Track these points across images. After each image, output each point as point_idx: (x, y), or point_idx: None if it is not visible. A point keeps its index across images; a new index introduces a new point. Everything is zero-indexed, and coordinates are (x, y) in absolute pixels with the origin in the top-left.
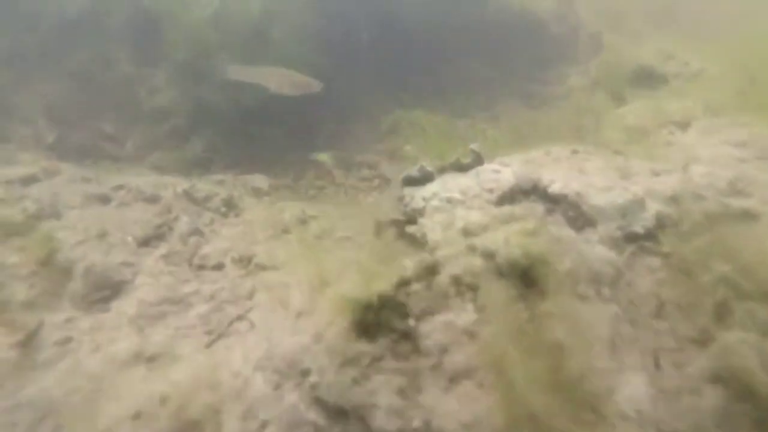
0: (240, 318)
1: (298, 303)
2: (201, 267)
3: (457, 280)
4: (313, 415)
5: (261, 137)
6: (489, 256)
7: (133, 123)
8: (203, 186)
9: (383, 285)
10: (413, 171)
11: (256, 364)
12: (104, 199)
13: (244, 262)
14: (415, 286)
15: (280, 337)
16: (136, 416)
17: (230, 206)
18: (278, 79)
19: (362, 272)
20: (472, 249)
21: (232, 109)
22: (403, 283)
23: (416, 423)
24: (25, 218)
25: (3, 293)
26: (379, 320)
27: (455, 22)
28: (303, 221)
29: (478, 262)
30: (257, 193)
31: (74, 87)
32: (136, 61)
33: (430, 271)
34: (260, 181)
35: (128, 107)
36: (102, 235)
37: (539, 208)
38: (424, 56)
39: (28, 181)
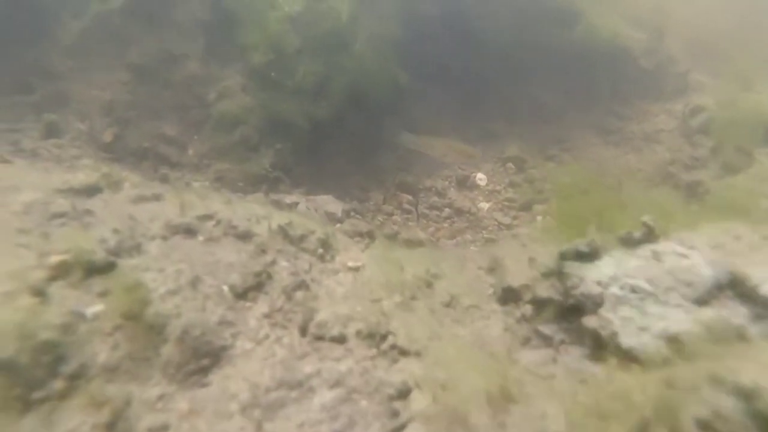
0: (399, 430)
1: (481, 423)
2: (319, 338)
3: (706, 427)
4: None
5: (328, 153)
6: (745, 395)
7: (197, 128)
8: (298, 221)
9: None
10: (581, 245)
11: None
12: (189, 231)
13: (375, 339)
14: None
15: None
16: None
17: (326, 247)
18: (442, 149)
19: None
20: (714, 379)
21: (304, 121)
22: (643, 426)
23: None
24: (106, 254)
25: (82, 353)
26: None
27: (537, 47)
28: (429, 284)
29: (728, 402)
30: (331, 218)
31: (134, 81)
32: (206, 59)
33: (670, 409)
34: (333, 205)
35: (193, 110)
36: (195, 283)
37: (741, 310)
38: (499, 79)
39: (91, 192)
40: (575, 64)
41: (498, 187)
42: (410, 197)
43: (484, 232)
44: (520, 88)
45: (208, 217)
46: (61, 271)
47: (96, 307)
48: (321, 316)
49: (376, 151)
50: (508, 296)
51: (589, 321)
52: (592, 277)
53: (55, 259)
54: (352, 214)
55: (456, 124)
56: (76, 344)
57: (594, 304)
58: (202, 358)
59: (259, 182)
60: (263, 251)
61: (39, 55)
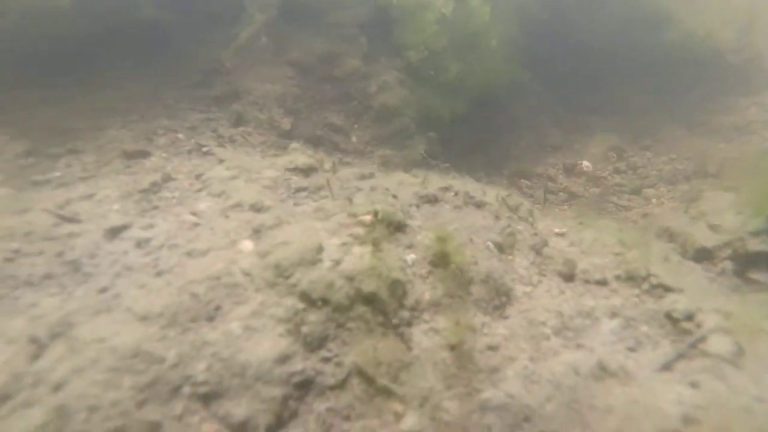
0: (701, 340)
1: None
2: (586, 281)
3: None
4: None
5: (461, 142)
6: None
7: (357, 118)
8: (514, 195)
9: None
10: None
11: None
12: (435, 200)
13: (636, 281)
14: None
15: None
16: None
17: (533, 216)
18: None
19: None
20: None
21: (447, 113)
22: None
23: None
24: (402, 214)
25: (414, 291)
26: None
27: (631, 48)
28: (647, 243)
29: None
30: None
31: (299, 77)
32: (366, 57)
33: None
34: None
35: (353, 102)
36: (471, 239)
37: None
38: (596, 77)
39: (309, 171)
40: (666, 63)
41: (604, 174)
42: (528, 182)
43: (604, 213)
44: (615, 86)
45: (446, 188)
46: (373, 227)
47: (411, 256)
48: (581, 265)
49: (494, 141)
50: (702, 255)
51: None
52: None
53: (366, 217)
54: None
55: (556, 117)
56: (408, 284)
57: None
58: (501, 297)
59: (416, 167)
60: (497, 217)
61: (213, 55)
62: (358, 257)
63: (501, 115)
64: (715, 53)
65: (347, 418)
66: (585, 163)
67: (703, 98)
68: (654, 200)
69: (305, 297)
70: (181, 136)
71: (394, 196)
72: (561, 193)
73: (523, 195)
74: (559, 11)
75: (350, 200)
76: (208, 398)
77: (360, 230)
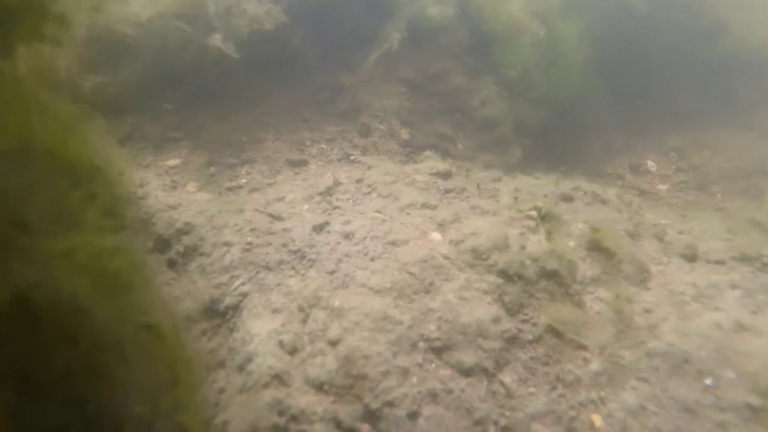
0: None
1: None
2: (707, 261)
3: None
4: None
5: (546, 149)
6: None
7: (461, 128)
8: (626, 193)
9: None
10: None
11: None
12: (567, 198)
13: (750, 260)
14: None
15: None
16: None
17: (641, 208)
18: None
19: None
20: None
21: (537, 123)
22: None
23: None
24: (555, 207)
25: (577, 271)
26: None
27: (689, 56)
28: (745, 232)
29: None
30: None
31: (409, 92)
32: (468, 74)
33: None
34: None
35: (457, 114)
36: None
37: None
38: (654, 86)
39: (446, 175)
40: (722, 71)
41: (668, 172)
42: (602, 180)
43: (674, 207)
44: (674, 93)
45: (577, 188)
46: (541, 220)
47: (571, 242)
48: (701, 248)
49: (569, 146)
50: None
51: None
52: None
53: (532, 212)
54: None
55: (620, 122)
56: (575, 263)
57: None
58: (643, 273)
59: (514, 170)
60: (619, 211)
61: (337, 76)
62: (537, 243)
63: (573, 123)
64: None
65: (546, 363)
66: (650, 162)
67: (757, 103)
68: (719, 195)
69: (503, 274)
70: (324, 146)
71: (545, 195)
72: (631, 190)
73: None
74: (625, 27)
75: (516, 199)
76: (440, 351)
77: (531, 222)
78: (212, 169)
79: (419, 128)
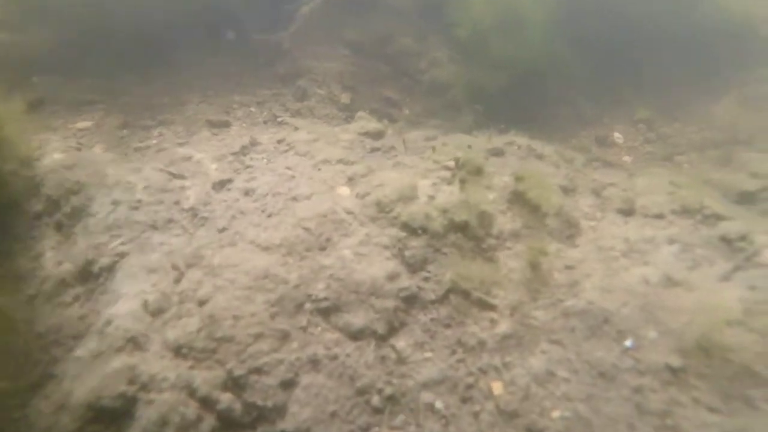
0: (754, 254)
1: None
2: (644, 215)
3: None
4: None
5: (504, 115)
6: None
7: (409, 92)
8: (569, 150)
9: None
10: None
11: None
12: (500, 153)
13: (691, 212)
14: None
15: None
16: (729, 324)
17: (584, 166)
18: None
19: None
20: None
21: (492, 87)
22: None
23: None
24: (483, 159)
25: (496, 223)
26: None
27: (664, 21)
28: (692, 187)
29: None
30: None
31: (354, 55)
32: (417, 36)
33: None
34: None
35: (405, 78)
36: (544, 180)
37: None
38: (628, 51)
39: (378, 135)
40: (701, 37)
41: (635, 144)
42: None
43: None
44: (650, 59)
45: (510, 143)
46: (457, 170)
47: (492, 194)
48: (640, 202)
49: (535, 114)
50: (744, 198)
51: None
52: None
53: (449, 162)
54: None
55: (591, 90)
56: (492, 216)
57: None
58: (572, 228)
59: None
60: (557, 166)
61: (275, 38)
62: (449, 194)
63: (540, 89)
64: (749, 28)
65: (448, 326)
66: (616, 134)
67: (735, 70)
68: (686, 165)
69: (406, 227)
70: (253, 109)
71: (469, 146)
72: (595, 162)
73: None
74: None
75: (433, 149)
76: (328, 312)
77: (446, 173)
78: (125, 131)
79: (362, 93)
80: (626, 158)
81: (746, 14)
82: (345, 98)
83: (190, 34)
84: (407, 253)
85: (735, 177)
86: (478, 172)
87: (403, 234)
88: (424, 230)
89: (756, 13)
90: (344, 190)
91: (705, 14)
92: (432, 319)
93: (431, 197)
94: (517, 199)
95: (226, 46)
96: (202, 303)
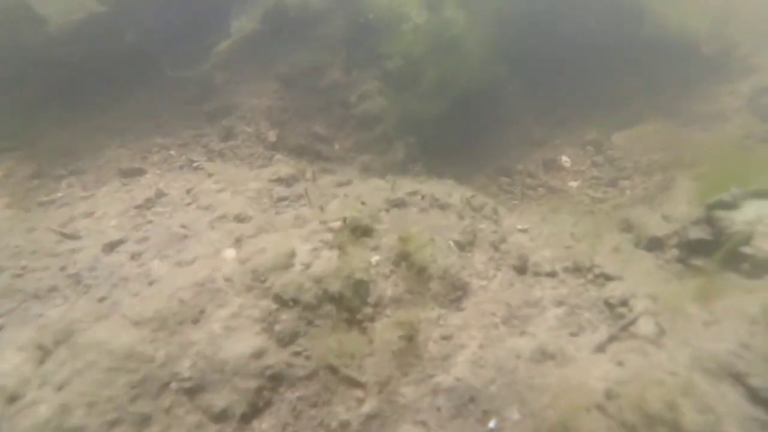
0: (631, 323)
1: (695, 313)
2: (536, 274)
3: None
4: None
5: (441, 144)
6: None
7: (340, 126)
8: (479, 196)
9: None
10: (725, 196)
11: (688, 366)
12: (402, 204)
13: (582, 271)
14: None
15: (700, 343)
16: (588, 409)
17: (497, 214)
18: None
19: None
20: None
21: (427, 117)
22: None
23: None
24: (369, 219)
25: (377, 289)
26: None
27: (609, 42)
28: (599, 235)
29: None
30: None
31: (284, 90)
32: (347, 68)
33: None
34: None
35: (336, 111)
36: (433, 239)
37: None
38: (575, 72)
39: (291, 181)
40: (643, 56)
41: (582, 168)
42: (508, 179)
43: (580, 206)
44: (594, 80)
45: (414, 193)
46: (342, 233)
47: (376, 257)
48: (533, 258)
49: (476, 140)
50: (653, 245)
51: (747, 249)
52: (740, 219)
53: (335, 224)
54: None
55: (539, 113)
56: (372, 283)
57: (746, 237)
58: (457, 291)
59: (396, 170)
60: (461, 217)
61: (203, 72)
62: (326, 261)
63: (483, 115)
64: (691, 44)
65: (315, 405)
66: (564, 158)
67: (681, 88)
68: (628, 191)
69: (278, 299)
70: (173, 152)
71: (363, 203)
72: (540, 189)
73: (502, 192)
74: (536, 13)
75: (322, 208)
76: (192, 392)
77: (329, 236)
78: (36, 181)
79: (291, 128)
80: (572, 183)
81: (684, 32)
82: (272, 136)
83: (112, 74)
84: (277, 327)
85: (649, 219)
86: (365, 232)
87: (274, 306)
88: (296, 302)
89: (695, 29)
90: (230, 253)
91: (647, 33)
92: (299, 398)
93: (306, 265)
94: (403, 260)
95: (151, 85)
96: (59, 388)
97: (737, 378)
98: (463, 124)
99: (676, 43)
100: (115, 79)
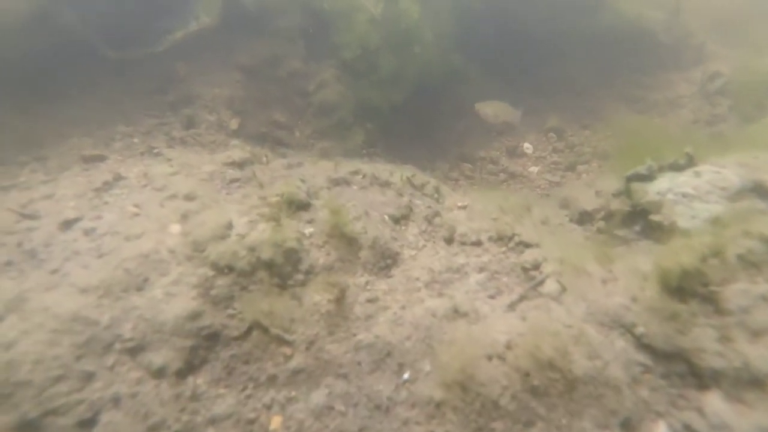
0: (539, 284)
1: (596, 272)
2: (462, 243)
3: (742, 259)
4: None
5: (402, 131)
6: (765, 240)
7: (300, 114)
8: (419, 174)
9: (689, 259)
10: (642, 169)
11: (583, 318)
12: (345, 183)
13: (504, 240)
14: (712, 261)
15: (596, 298)
16: (489, 357)
17: (439, 193)
18: (494, 109)
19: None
20: (746, 233)
21: (385, 105)
22: (704, 258)
23: None
24: (306, 195)
25: (309, 258)
26: (684, 287)
27: (568, 32)
28: (528, 208)
29: (756, 246)
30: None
31: (245, 79)
32: (305, 58)
33: (718, 250)
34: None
35: (296, 99)
36: (367, 213)
37: (762, 203)
38: (536, 62)
39: (245, 164)
40: (602, 44)
41: (543, 154)
42: (470, 165)
43: (538, 189)
44: (555, 69)
45: (355, 172)
46: (278, 207)
47: (310, 229)
48: (460, 229)
49: (437, 128)
50: (584, 218)
51: (655, 217)
52: (653, 190)
53: (273, 199)
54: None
55: (500, 99)
56: (304, 252)
57: (657, 206)
58: (386, 259)
59: (355, 156)
60: (401, 194)
61: (171, 65)
62: (261, 231)
63: (443, 103)
64: (648, 33)
65: (246, 362)
66: (526, 144)
67: (640, 76)
68: (584, 175)
69: (214, 266)
70: (136, 140)
71: (303, 180)
72: (501, 174)
73: (464, 177)
74: (494, 1)
75: (261, 185)
76: (134, 351)
77: (266, 210)
78: (0, 168)
79: (253, 117)
80: (533, 168)
81: (642, 20)
82: (234, 124)
83: (73, 63)
84: (213, 292)
85: (583, 196)
86: (301, 207)
87: (211, 273)
88: (231, 269)
89: (652, 18)
90: (175, 228)
91: (606, 22)
92: (232, 356)
93: (242, 236)
94: (335, 232)
95: (117, 74)
96: (6, 349)
97: (626, 328)
98: (424, 112)
99: (635, 31)
100: (81, 70)
